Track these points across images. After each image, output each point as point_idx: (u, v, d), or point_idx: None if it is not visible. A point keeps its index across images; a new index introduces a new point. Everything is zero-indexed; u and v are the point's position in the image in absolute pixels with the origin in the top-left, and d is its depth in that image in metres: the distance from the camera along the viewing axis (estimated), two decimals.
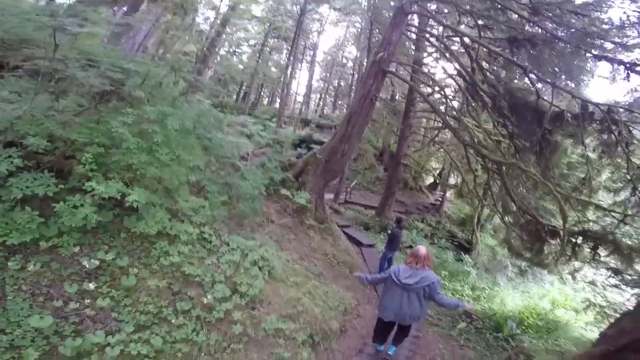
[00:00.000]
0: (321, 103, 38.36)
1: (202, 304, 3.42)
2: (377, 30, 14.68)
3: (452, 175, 21.73)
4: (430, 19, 11.79)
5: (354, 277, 7.98)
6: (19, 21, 3.45)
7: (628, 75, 6.20)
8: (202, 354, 3.15)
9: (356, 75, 27.01)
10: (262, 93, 35.10)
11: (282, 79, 22.48)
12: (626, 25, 6.42)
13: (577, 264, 7.67)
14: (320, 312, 4.92)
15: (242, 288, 3.78)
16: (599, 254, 6.90)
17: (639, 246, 6.46)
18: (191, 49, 16.56)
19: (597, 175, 7.51)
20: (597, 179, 7.57)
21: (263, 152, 10.93)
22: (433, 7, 11.92)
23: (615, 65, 6.34)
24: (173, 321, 3.14)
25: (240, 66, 26.43)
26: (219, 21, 20.06)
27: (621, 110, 6.37)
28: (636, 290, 6.82)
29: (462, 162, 13.61)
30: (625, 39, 6.54)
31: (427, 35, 11.44)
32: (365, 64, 14.40)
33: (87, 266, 3.06)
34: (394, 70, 11.85)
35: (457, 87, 12.99)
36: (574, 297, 12.05)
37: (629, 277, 6.82)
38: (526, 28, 7.80)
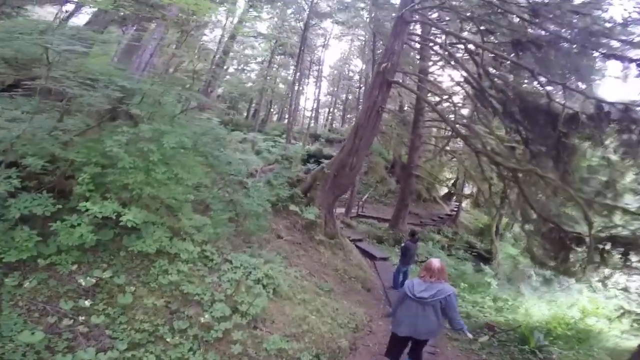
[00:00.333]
0: (330, 117, 38.61)
1: (199, 323, 3.30)
2: (381, 42, 14.77)
3: (467, 184, 21.20)
4: (433, 27, 11.77)
5: (366, 292, 7.82)
6: (30, 40, 3.53)
7: None
8: None
9: (363, 88, 27.15)
10: (271, 110, 35.66)
11: (289, 95, 22.78)
12: (629, 22, 6.22)
13: (607, 270, 7.21)
14: (328, 330, 4.72)
15: (243, 307, 3.64)
16: (631, 260, 6.47)
17: None
18: (200, 67, 17.05)
19: (620, 178, 7.09)
20: (621, 181, 7.15)
21: (271, 168, 10.93)
22: (434, 15, 11.94)
23: (626, 63, 6.10)
24: (169, 340, 3.07)
25: (249, 84, 27.00)
26: (225, 39, 20.66)
27: (638, 108, 6.06)
28: None
29: (476, 171, 13.24)
30: (631, 37, 6.32)
31: (431, 44, 11.41)
32: (370, 76, 14.44)
33: (84, 284, 3.09)
34: (399, 80, 11.80)
35: (465, 94, 12.81)
36: (606, 305, 11.36)
37: None
38: (528, 30, 7.65)
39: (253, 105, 30.66)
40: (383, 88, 9.20)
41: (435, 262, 3.71)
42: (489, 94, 8.09)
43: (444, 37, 11.58)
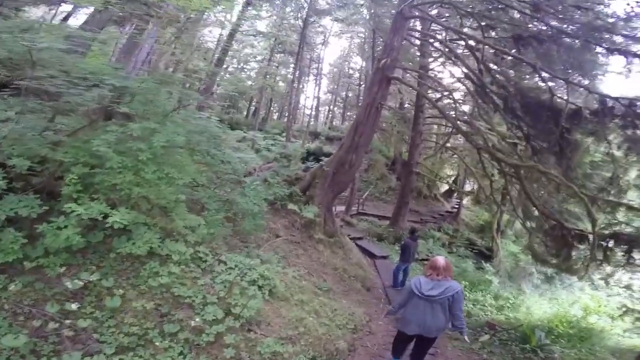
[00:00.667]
0: (330, 115, 38.46)
1: (190, 327, 3.23)
2: (381, 39, 14.63)
3: (468, 181, 21.06)
4: (433, 23, 11.63)
5: (366, 291, 7.76)
6: (11, 39, 3.45)
7: None
8: None
9: (363, 85, 26.98)
10: (271, 108, 35.54)
11: (289, 93, 22.65)
12: (632, 16, 6.09)
13: (609, 268, 7.12)
14: (326, 331, 4.63)
15: (237, 309, 3.55)
16: (634, 257, 6.40)
17: None
18: (199, 66, 16.94)
19: (624, 174, 6.96)
20: (625, 177, 7.02)
21: (270, 166, 10.84)
22: (434, 11, 11.79)
23: (630, 58, 5.97)
24: (158, 344, 2.99)
25: (249, 82, 26.87)
26: (224, 37, 20.53)
27: None
28: None
29: (477, 168, 13.13)
30: (634, 32, 6.20)
31: (431, 40, 11.26)
32: (370, 73, 14.32)
33: (71, 287, 3.02)
34: (399, 76, 11.66)
35: (466, 90, 12.66)
36: (608, 303, 11.27)
37: None
38: (529, 26, 7.53)
39: (253, 103, 30.57)
40: (382, 84, 9.08)
41: (440, 260, 3.68)
42: (490, 89, 7.95)
43: (444, 33, 11.44)
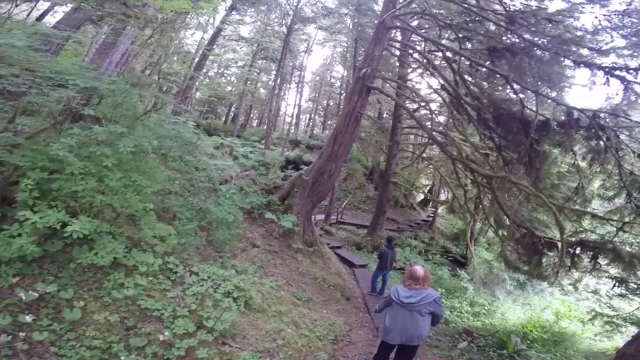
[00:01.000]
0: (311, 123, 38.56)
1: (159, 341, 3.03)
2: (362, 49, 14.89)
3: (443, 191, 21.64)
4: (413, 34, 11.95)
5: (346, 301, 7.68)
6: None
7: (607, 80, 6.16)
8: None
9: (344, 94, 27.30)
10: (251, 114, 35.21)
11: (269, 100, 22.52)
12: (599, 29, 6.48)
13: (577, 274, 7.44)
14: (305, 343, 4.52)
15: (209, 322, 3.37)
16: (600, 263, 6.70)
17: None
18: (178, 69, 16.53)
19: (589, 184, 7.33)
20: (590, 187, 7.39)
21: (248, 174, 10.60)
22: (415, 22, 12.13)
23: (595, 70, 6.30)
24: (124, 358, 2.82)
25: (229, 88, 26.53)
26: (206, 41, 20.22)
27: (605, 115, 6.28)
28: None
29: (452, 178, 13.49)
30: (599, 44, 6.59)
31: (410, 51, 11.54)
32: (351, 82, 14.51)
33: (24, 298, 2.80)
34: (379, 86, 11.85)
35: (442, 101, 13.04)
36: (578, 307, 11.76)
37: (635, 286, 6.59)
38: (504, 38, 7.86)
39: (232, 109, 30.17)
40: (362, 94, 9.15)
41: (419, 270, 3.71)
42: (465, 101, 8.19)
43: (423, 44, 11.77)
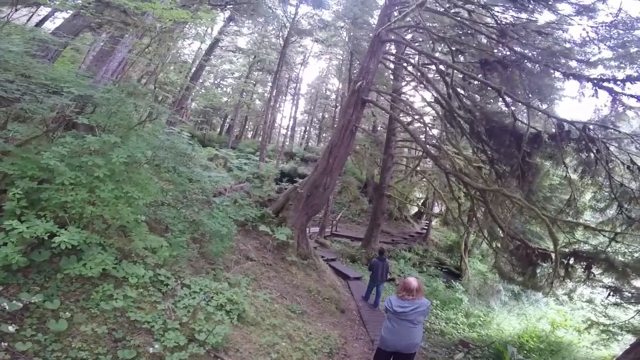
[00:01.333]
0: (306, 136, 38.72)
1: (148, 354, 2.93)
2: (358, 62, 15.13)
3: (436, 203, 21.76)
4: (407, 47, 12.18)
5: (340, 313, 7.58)
6: None
7: (596, 92, 6.29)
8: None
9: (339, 107, 27.56)
10: (246, 126, 35.29)
11: (265, 111, 22.62)
12: (587, 41, 6.64)
13: (571, 284, 7.50)
14: (300, 357, 4.44)
15: (201, 336, 3.27)
16: (593, 273, 6.77)
17: (633, 262, 6.29)
18: (174, 79, 16.56)
19: (580, 196, 7.43)
20: (581, 199, 7.49)
21: (242, 186, 10.54)
22: (409, 36, 12.39)
23: (583, 82, 6.44)
24: None
25: (224, 98, 26.61)
26: (203, 52, 20.35)
27: (594, 127, 6.39)
28: None
29: (445, 191, 13.59)
30: (587, 56, 6.75)
31: (405, 64, 11.74)
32: (346, 95, 14.69)
33: (8, 308, 2.73)
34: (374, 99, 12.00)
35: (435, 114, 13.23)
36: (573, 317, 11.74)
37: (629, 294, 6.63)
38: (495, 51, 8.03)
39: (227, 120, 30.20)
40: (358, 107, 9.22)
41: (413, 282, 3.83)
42: (458, 114, 8.31)
43: (417, 57, 12.00)
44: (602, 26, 6.52)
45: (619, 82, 6.08)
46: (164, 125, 6.27)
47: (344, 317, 7.34)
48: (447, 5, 8.90)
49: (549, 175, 8.05)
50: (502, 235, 8.00)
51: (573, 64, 6.82)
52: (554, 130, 6.64)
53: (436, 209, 21.91)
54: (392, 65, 12.75)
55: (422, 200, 23.07)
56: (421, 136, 12.49)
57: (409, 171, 15.96)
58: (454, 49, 8.30)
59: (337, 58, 29.69)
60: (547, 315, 12.38)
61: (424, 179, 17.39)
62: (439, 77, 10.31)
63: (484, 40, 8.22)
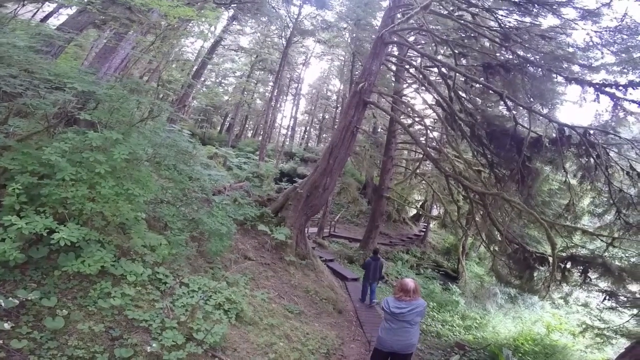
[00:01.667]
0: (306, 136, 38.70)
1: (146, 352, 2.93)
2: (360, 63, 15.13)
3: (435, 206, 21.79)
4: (410, 50, 12.19)
5: (338, 314, 7.60)
6: None
7: (598, 97, 6.29)
8: None
9: (339, 108, 27.57)
10: (246, 125, 35.25)
11: (265, 111, 22.62)
12: (590, 46, 6.64)
13: (568, 288, 7.55)
14: (298, 357, 4.45)
15: (199, 335, 3.26)
16: (590, 277, 6.81)
17: (630, 267, 6.32)
18: (177, 77, 16.54)
19: (579, 201, 7.45)
20: (580, 204, 7.51)
21: (241, 185, 10.52)
22: (411, 38, 12.40)
23: (585, 87, 6.43)
24: None
25: (225, 97, 26.58)
26: (205, 50, 20.35)
27: (595, 132, 6.40)
28: (635, 312, 6.59)
29: (444, 194, 13.60)
30: (590, 61, 6.75)
31: (407, 66, 11.74)
32: (347, 96, 14.68)
33: (3, 305, 2.70)
34: (375, 101, 12.00)
35: (436, 117, 13.23)
36: (568, 320, 11.77)
37: (624, 298, 6.65)
38: (498, 55, 8.03)
39: (228, 119, 30.18)
40: (359, 108, 9.21)
41: (410, 283, 3.86)
42: (459, 117, 8.31)
43: (419, 59, 12.00)
44: (606, 31, 6.51)
45: (621, 88, 6.09)
46: (165, 122, 6.27)
47: (341, 318, 7.35)
48: (451, 8, 8.90)
49: (549, 179, 8.07)
50: (500, 238, 8.02)
51: (575, 68, 6.81)
52: (554, 135, 6.65)
53: (435, 212, 21.96)
54: (394, 67, 12.76)
55: (420, 203, 23.12)
56: (421, 138, 12.50)
57: (408, 173, 15.97)
58: (456, 51, 8.29)
59: (339, 59, 29.66)
60: (542, 318, 12.44)
61: (423, 182, 17.42)
62: (440, 80, 10.31)
63: (487, 44, 8.22)
